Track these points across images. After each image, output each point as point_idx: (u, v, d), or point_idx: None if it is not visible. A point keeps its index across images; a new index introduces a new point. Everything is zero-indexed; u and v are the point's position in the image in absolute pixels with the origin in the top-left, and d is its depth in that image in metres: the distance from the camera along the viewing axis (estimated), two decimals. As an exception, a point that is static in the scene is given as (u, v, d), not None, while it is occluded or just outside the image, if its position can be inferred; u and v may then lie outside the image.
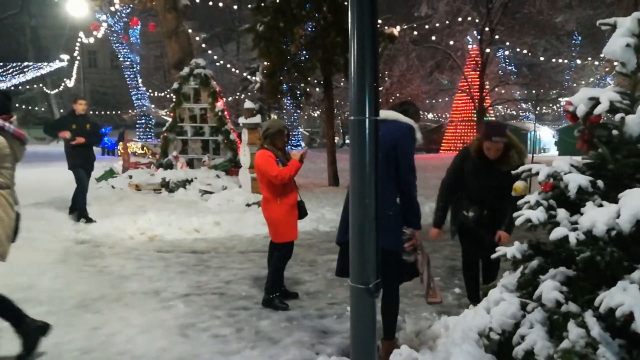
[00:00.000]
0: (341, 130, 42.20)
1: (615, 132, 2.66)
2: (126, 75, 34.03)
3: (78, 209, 8.08)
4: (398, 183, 3.11)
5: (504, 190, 3.72)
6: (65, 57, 27.58)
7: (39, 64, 30.00)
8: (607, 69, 21.23)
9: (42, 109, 43.11)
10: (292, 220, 4.42)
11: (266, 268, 4.75)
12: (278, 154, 4.35)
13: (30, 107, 44.29)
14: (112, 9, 22.19)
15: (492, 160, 3.83)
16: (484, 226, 3.90)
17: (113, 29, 29.84)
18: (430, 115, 38.28)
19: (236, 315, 4.22)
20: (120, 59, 33.91)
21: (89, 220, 7.96)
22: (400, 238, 3.14)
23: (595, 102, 2.71)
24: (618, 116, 2.64)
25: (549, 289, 2.50)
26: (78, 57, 26.58)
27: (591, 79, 23.60)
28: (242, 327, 3.96)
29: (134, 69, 33.83)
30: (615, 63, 2.86)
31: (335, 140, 18.81)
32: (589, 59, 21.84)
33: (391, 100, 28.54)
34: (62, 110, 39.68)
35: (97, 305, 4.42)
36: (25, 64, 28.86)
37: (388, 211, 3.05)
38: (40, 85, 36.87)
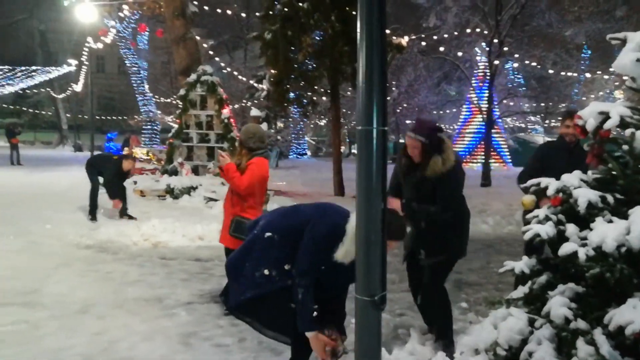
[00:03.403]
0: (347, 140, 42.18)
1: (625, 147, 2.63)
2: (133, 81, 34.26)
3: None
4: None
5: (429, 199, 3.42)
6: (73, 61, 27.79)
7: (47, 68, 30.21)
8: (616, 83, 21.14)
9: (49, 113, 43.55)
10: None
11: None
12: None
13: (37, 111, 44.71)
14: (121, 14, 22.37)
15: (417, 164, 3.48)
16: (421, 242, 3.54)
17: (121, 35, 30.11)
18: (437, 126, 38.24)
19: (239, 324, 4.17)
20: (128, 65, 34.16)
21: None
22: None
23: (605, 116, 2.69)
24: (628, 131, 2.61)
25: (558, 305, 2.46)
26: (86, 62, 26.74)
27: (600, 93, 23.46)
28: (245, 337, 3.92)
29: (141, 75, 34.07)
30: (625, 78, 2.84)
31: (342, 150, 18.82)
32: (599, 72, 21.72)
33: (398, 111, 28.37)
34: (68, 115, 40.00)
35: (99, 310, 4.41)
36: (34, 68, 29.05)
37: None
38: (48, 89, 37.18)
